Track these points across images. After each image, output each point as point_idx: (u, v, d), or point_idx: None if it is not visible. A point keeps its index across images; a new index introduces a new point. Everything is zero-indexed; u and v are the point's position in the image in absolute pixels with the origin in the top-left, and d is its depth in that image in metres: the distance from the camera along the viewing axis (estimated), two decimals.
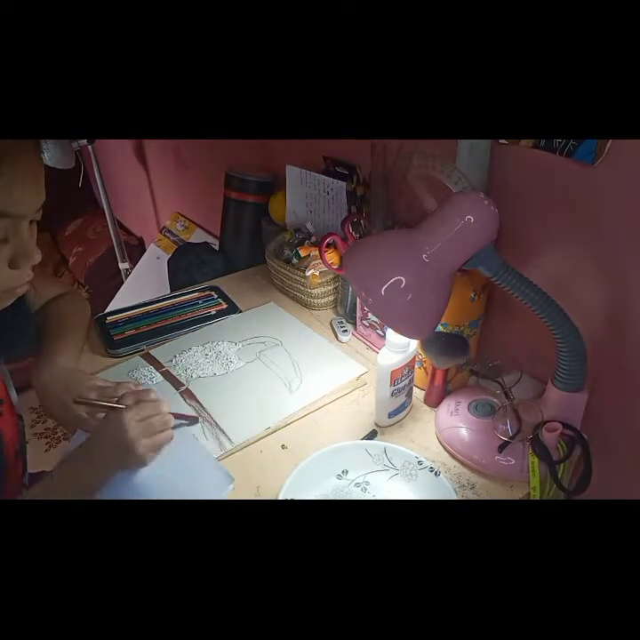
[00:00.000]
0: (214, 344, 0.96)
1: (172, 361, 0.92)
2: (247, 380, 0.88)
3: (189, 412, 0.81)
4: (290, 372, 0.89)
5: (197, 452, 0.71)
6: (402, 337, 0.71)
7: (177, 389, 0.85)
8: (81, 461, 0.64)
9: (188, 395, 0.84)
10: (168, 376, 0.89)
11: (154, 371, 0.90)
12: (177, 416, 0.71)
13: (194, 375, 0.89)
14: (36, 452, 1.75)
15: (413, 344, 0.75)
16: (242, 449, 0.76)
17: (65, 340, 0.80)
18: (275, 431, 0.78)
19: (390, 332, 0.73)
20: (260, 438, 0.77)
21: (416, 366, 0.80)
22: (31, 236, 0.59)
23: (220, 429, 0.77)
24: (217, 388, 0.86)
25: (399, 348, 0.73)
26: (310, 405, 0.82)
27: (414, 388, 0.82)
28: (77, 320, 0.87)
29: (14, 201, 0.53)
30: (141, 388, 0.75)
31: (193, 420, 0.78)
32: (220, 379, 0.88)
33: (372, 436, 0.77)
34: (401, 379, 0.74)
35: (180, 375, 0.89)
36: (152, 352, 0.95)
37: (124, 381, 0.75)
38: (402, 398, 0.77)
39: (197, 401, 0.83)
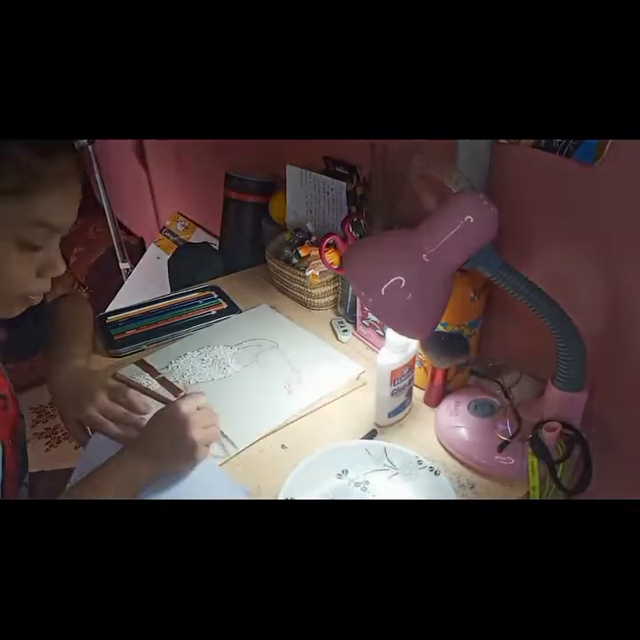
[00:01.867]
0: (210, 348, 0.95)
1: (168, 367, 0.91)
2: (246, 383, 0.87)
3: None
4: (288, 373, 0.89)
5: (215, 473, 0.71)
6: (402, 337, 0.71)
7: (175, 396, 0.85)
8: (135, 452, 0.65)
9: None
10: (165, 383, 0.88)
11: (150, 378, 0.89)
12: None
13: (191, 381, 0.88)
14: (36, 451, 1.75)
15: (413, 344, 0.75)
16: (242, 450, 0.76)
17: (76, 341, 0.82)
18: (269, 434, 0.78)
19: (390, 332, 0.73)
20: (261, 439, 0.77)
21: (416, 366, 0.80)
22: (58, 249, 0.64)
23: (224, 435, 0.77)
24: (216, 393, 0.85)
25: (399, 347, 0.73)
26: (311, 406, 0.82)
27: (414, 387, 0.82)
28: (85, 321, 0.89)
29: (57, 215, 0.60)
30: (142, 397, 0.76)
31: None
32: (219, 383, 0.88)
33: (371, 435, 0.77)
34: (401, 378, 0.74)
35: (177, 381, 0.88)
36: (147, 359, 0.94)
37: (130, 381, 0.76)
38: (402, 398, 0.77)
39: None
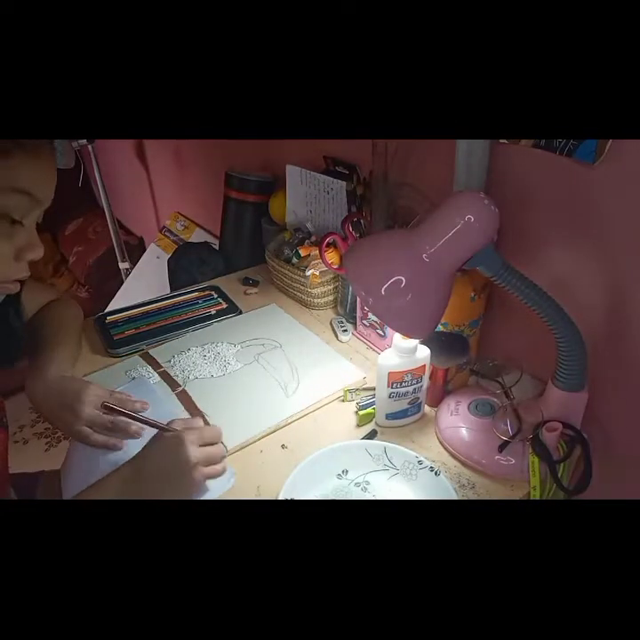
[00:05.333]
0: (213, 345, 0.96)
1: (170, 361, 0.92)
2: (244, 382, 0.87)
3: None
4: (287, 375, 0.89)
5: None
6: (406, 341, 0.71)
7: (173, 390, 0.85)
8: (126, 480, 0.59)
9: (184, 396, 0.84)
10: (165, 376, 0.88)
11: (152, 371, 0.90)
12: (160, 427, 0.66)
13: (191, 376, 0.88)
14: (35, 451, 1.75)
15: (420, 354, 0.73)
16: (241, 449, 0.76)
17: (58, 349, 0.78)
18: (268, 434, 0.78)
19: (396, 335, 0.72)
20: (253, 442, 0.77)
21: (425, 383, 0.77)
22: (35, 228, 0.58)
23: None
24: (213, 390, 0.85)
25: (402, 351, 0.72)
26: (305, 410, 0.81)
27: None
28: (70, 327, 0.84)
29: (39, 184, 0.54)
30: (133, 398, 0.74)
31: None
32: (217, 380, 0.88)
33: (372, 435, 0.77)
34: (401, 383, 0.74)
35: (177, 376, 0.88)
36: (151, 352, 0.94)
37: (119, 392, 0.74)
38: (403, 404, 0.76)
39: (193, 402, 0.83)
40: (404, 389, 0.74)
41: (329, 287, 1.04)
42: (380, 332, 0.91)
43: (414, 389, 0.75)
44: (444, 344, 0.75)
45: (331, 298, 1.06)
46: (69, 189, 2.31)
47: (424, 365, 0.74)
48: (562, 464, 0.66)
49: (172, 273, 1.50)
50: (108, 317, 1.05)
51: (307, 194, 1.10)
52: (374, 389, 0.79)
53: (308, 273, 1.01)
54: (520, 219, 0.75)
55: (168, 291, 1.38)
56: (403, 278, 0.58)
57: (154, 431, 0.65)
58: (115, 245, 2.07)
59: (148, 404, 0.76)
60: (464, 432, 0.73)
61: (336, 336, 0.98)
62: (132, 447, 0.69)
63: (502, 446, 0.69)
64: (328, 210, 1.08)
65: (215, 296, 1.11)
